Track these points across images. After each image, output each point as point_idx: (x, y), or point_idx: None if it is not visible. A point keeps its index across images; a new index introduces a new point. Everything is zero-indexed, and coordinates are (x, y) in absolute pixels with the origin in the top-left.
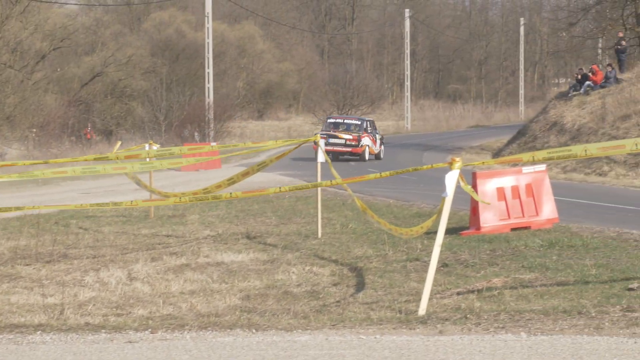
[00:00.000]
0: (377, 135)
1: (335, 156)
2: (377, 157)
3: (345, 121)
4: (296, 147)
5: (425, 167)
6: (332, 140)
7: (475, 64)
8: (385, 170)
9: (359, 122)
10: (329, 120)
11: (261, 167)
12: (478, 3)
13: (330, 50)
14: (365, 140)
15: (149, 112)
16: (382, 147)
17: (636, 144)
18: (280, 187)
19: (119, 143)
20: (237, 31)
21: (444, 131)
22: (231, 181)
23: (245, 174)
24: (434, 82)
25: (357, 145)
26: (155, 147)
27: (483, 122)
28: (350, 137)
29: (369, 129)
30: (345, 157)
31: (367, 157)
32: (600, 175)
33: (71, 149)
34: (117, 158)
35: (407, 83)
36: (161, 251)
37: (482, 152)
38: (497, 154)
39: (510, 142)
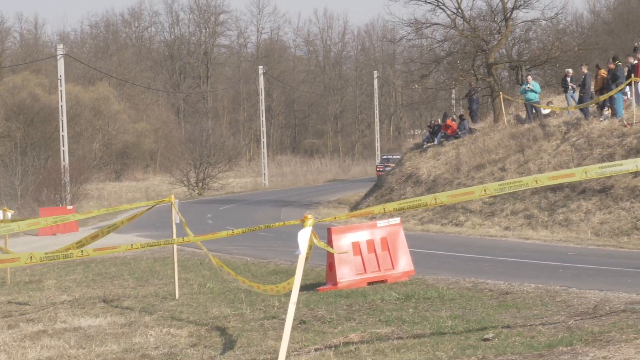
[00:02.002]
0: None
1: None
2: None
3: (392, 157)
4: (149, 209)
5: (277, 224)
6: (387, 168)
7: (331, 118)
8: (241, 228)
9: (400, 156)
10: (383, 157)
11: (111, 229)
12: (331, 58)
13: (185, 109)
14: None
15: (4, 177)
16: None
17: (484, 190)
18: (132, 245)
19: None
20: (92, 93)
21: (302, 186)
22: (80, 244)
23: (95, 237)
24: (290, 137)
25: None
26: (10, 213)
27: (340, 176)
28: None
29: None
30: None
31: None
32: (456, 225)
33: None
34: None
35: (264, 139)
36: (17, 318)
37: (340, 206)
38: (354, 207)
39: (367, 195)
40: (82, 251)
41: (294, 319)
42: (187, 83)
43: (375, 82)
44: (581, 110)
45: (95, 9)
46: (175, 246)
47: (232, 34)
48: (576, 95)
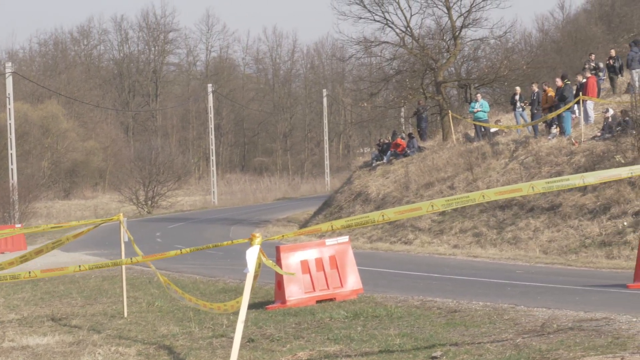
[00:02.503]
0: None
1: None
2: None
3: None
4: (96, 227)
5: (225, 243)
6: None
7: (281, 136)
8: (190, 247)
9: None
10: None
11: (56, 245)
12: (281, 76)
13: (135, 127)
14: None
15: None
16: None
17: (432, 205)
18: (80, 266)
19: None
20: (40, 111)
21: (251, 204)
22: (24, 259)
23: (39, 252)
24: (240, 155)
25: None
26: None
27: (290, 194)
28: None
29: None
30: None
31: None
32: (405, 243)
33: None
34: None
35: (213, 157)
36: None
37: (289, 224)
38: (304, 225)
39: (316, 213)
40: (29, 272)
41: (243, 338)
42: (136, 101)
43: (325, 100)
44: (534, 127)
45: (44, 27)
46: (123, 265)
47: (182, 52)
48: (525, 114)
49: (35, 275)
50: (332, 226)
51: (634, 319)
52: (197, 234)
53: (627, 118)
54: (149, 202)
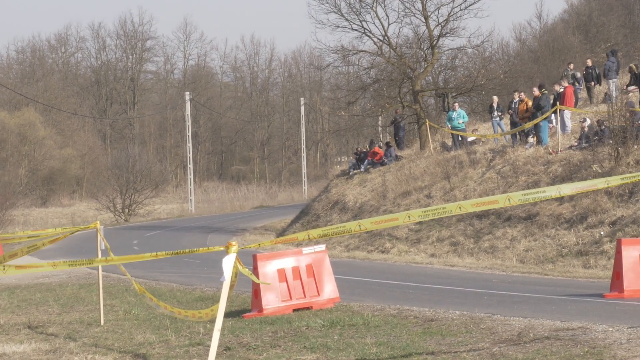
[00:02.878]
0: None
1: None
2: None
3: None
4: (72, 233)
5: (201, 249)
6: None
7: (258, 145)
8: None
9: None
10: None
11: (31, 249)
12: (258, 84)
13: (112, 135)
14: None
15: None
16: None
17: (408, 216)
18: (55, 263)
19: None
20: (18, 118)
21: (228, 212)
22: None
23: (13, 255)
24: (217, 163)
25: None
26: None
27: (267, 203)
28: None
29: None
30: None
31: None
32: (382, 252)
33: None
34: None
35: (190, 165)
36: None
37: (267, 233)
38: (281, 233)
39: (294, 222)
40: (4, 267)
41: (219, 346)
42: (114, 109)
43: (302, 108)
44: (512, 136)
45: (22, 34)
46: (100, 272)
47: (159, 60)
48: (502, 123)
49: (11, 268)
50: (309, 235)
51: (610, 329)
52: (174, 242)
53: (603, 127)
54: (126, 210)
